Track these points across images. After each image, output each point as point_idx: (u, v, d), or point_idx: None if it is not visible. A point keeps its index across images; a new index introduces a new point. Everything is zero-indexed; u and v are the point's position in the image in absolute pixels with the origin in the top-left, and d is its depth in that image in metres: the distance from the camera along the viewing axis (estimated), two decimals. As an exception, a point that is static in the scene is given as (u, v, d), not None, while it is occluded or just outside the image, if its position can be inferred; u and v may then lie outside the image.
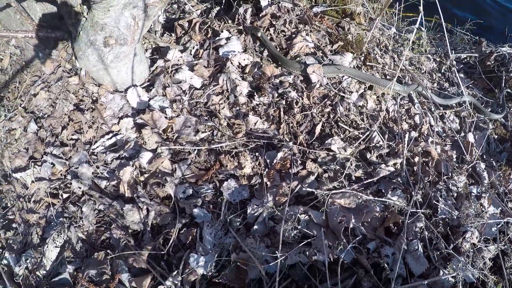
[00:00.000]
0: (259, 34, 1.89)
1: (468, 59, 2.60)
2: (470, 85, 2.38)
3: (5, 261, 1.69)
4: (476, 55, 2.55)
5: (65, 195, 1.75)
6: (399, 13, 2.39)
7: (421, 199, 1.68)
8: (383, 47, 2.14)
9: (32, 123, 1.93)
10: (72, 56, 2.03)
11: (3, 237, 1.78)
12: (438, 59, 2.39)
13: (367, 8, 2.01)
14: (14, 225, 1.77)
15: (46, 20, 2.04)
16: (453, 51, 2.57)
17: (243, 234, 1.52)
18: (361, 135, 1.76)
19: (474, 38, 2.96)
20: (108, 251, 1.55)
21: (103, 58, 1.71)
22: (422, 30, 2.32)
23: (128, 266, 1.49)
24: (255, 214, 1.54)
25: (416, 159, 1.81)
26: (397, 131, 1.84)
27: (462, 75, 2.47)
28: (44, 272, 1.56)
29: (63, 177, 1.80)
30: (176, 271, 1.45)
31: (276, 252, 1.40)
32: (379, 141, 1.76)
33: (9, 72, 2.21)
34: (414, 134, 1.88)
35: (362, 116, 1.83)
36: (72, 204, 1.74)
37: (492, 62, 2.48)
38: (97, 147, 1.79)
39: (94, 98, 1.92)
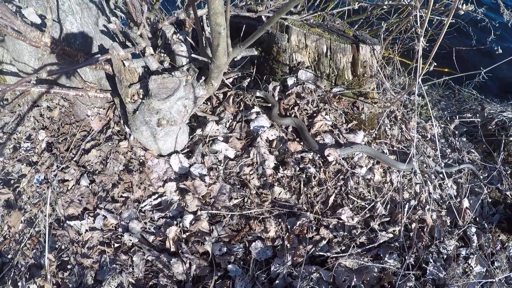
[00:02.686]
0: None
1: (472, 118, 3.27)
2: (471, 150, 3.07)
3: None
4: (479, 119, 3.22)
5: (116, 245, 2.39)
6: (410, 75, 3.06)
7: (413, 262, 2.38)
8: (393, 117, 2.83)
9: (85, 177, 2.65)
10: (121, 120, 2.76)
11: (59, 276, 2.53)
12: (443, 125, 3.07)
13: (379, 91, 2.70)
14: (69, 266, 2.40)
15: (95, 80, 2.77)
16: (458, 114, 3.25)
17: (267, 287, 2.27)
18: (367, 205, 2.47)
19: (480, 97, 3.61)
20: None
21: (155, 134, 2.42)
22: (427, 98, 3.01)
23: None
24: (277, 271, 2.28)
25: (413, 225, 2.52)
26: (399, 200, 2.56)
27: (464, 139, 3.15)
28: None
29: (114, 229, 2.52)
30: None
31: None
32: (382, 211, 2.49)
33: (58, 122, 2.95)
34: (413, 202, 2.59)
35: (369, 188, 2.53)
36: (123, 253, 2.43)
37: (493, 126, 3.15)
38: (145, 205, 2.52)
39: (141, 161, 2.64)
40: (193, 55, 1.97)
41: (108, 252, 2.39)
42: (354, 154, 2.56)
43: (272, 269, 2.25)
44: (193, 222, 2.36)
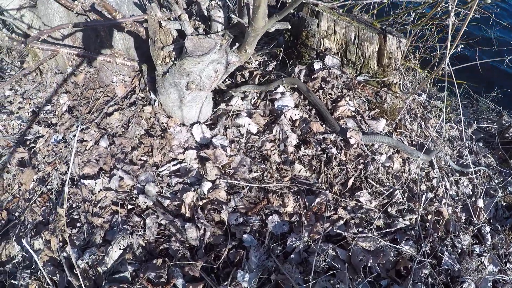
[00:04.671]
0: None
1: (489, 128, 3.35)
2: (487, 154, 3.12)
3: (65, 254, 2.29)
4: (496, 126, 3.30)
5: (130, 206, 2.39)
6: (431, 79, 3.15)
7: (428, 251, 2.38)
8: (413, 114, 2.89)
9: (104, 138, 2.65)
10: (146, 87, 2.80)
11: (67, 232, 2.48)
12: (460, 128, 3.14)
13: (403, 81, 2.78)
14: (78, 224, 2.39)
15: (123, 49, 2.82)
16: (475, 121, 3.33)
17: (281, 261, 2.22)
18: (385, 191, 2.48)
19: (498, 108, 3.72)
20: (166, 259, 2.18)
21: (182, 98, 2.45)
22: (449, 99, 3.09)
23: (183, 273, 2.09)
24: (293, 245, 2.26)
25: (429, 216, 2.53)
26: (416, 191, 2.57)
27: (481, 144, 3.21)
28: (105, 268, 2.15)
29: (129, 191, 2.50)
30: (226, 282, 2.16)
31: (308, 277, 2.12)
32: (400, 198, 2.50)
33: (81, 87, 2.98)
34: (430, 195, 2.60)
35: (388, 175, 2.56)
36: (136, 215, 2.38)
37: (510, 134, 3.23)
38: (164, 170, 2.52)
39: (163, 127, 2.66)
40: (231, 16, 2.03)
41: (120, 213, 2.39)
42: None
43: (288, 242, 2.24)
44: (211, 190, 2.36)
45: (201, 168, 2.47)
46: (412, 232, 2.44)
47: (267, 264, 2.18)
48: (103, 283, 2.14)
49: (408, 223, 2.44)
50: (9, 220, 2.69)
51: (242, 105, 2.65)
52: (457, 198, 2.76)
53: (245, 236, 2.24)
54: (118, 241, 2.27)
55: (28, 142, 2.90)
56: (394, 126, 2.70)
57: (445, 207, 2.56)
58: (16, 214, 2.68)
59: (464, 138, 2.94)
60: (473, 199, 2.80)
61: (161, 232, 2.32)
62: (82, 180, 2.52)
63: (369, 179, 2.49)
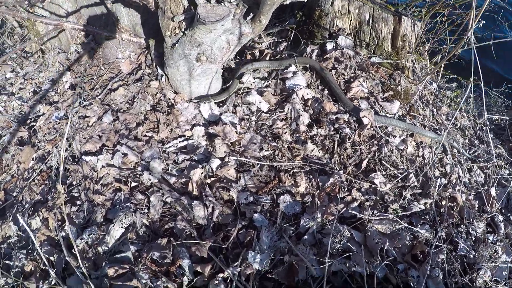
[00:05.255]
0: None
1: (498, 121, 3.32)
2: (498, 145, 3.08)
3: (63, 233, 2.14)
4: (507, 118, 3.27)
5: (133, 184, 2.27)
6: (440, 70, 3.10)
7: (444, 236, 2.30)
8: (425, 100, 2.83)
9: (108, 114, 2.52)
10: (153, 62, 2.69)
11: (66, 210, 2.33)
12: (471, 118, 3.10)
13: (416, 66, 2.72)
14: (78, 202, 2.27)
15: (130, 26, 2.72)
16: (486, 112, 3.30)
17: (294, 242, 2.12)
18: (399, 174, 2.40)
19: (507, 102, 3.71)
20: (171, 238, 2.05)
21: (192, 71, 2.34)
22: (459, 89, 3.05)
23: (190, 254, 1.97)
24: (307, 226, 2.15)
25: (443, 202, 2.45)
26: (430, 176, 2.50)
27: (492, 135, 3.16)
28: (106, 248, 2.04)
29: (133, 168, 2.37)
30: (235, 263, 2.03)
31: (324, 258, 2.01)
32: (414, 182, 2.42)
33: (84, 65, 2.86)
34: (444, 181, 2.53)
35: (402, 158, 2.48)
36: (140, 192, 2.25)
37: (520, 126, 3.21)
38: (170, 147, 2.39)
39: (170, 103, 2.54)
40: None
41: (124, 190, 2.25)
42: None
43: (301, 223, 2.14)
44: (220, 167, 2.26)
45: (209, 145, 2.36)
46: (427, 217, 2.36)
47: (279, 245, 2.07)
48: (104, 263, 2.01)
49: (423, 207, 2.36)
50: (6, 200, 2.57)
51: (253, 82, 2.55)
52: (469, 186, 2.70)
53: (256, 215, 2.13)
54: (121, 219, 2.16)
55: (28, 121, 2.77)
56: (407, 109, 2.63)
57: (459, 194, 2.48)
58: (14, 194, 2.56)
59: (476, 128, 2.89)
60: (486, 187, 2.74)
61: (166, 210, 2.20)
62: (83, 157, 2.40)
63: (383, 161, 2.40)
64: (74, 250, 2.01)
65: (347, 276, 2.02)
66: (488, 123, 2.99)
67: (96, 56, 2.78)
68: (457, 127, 2.95)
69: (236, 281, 1.90)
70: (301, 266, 1.99)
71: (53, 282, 1.98)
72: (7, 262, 2.15)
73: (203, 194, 2.17)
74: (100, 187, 2.32)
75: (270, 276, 1.98)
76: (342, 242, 2.10)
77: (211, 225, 2.13)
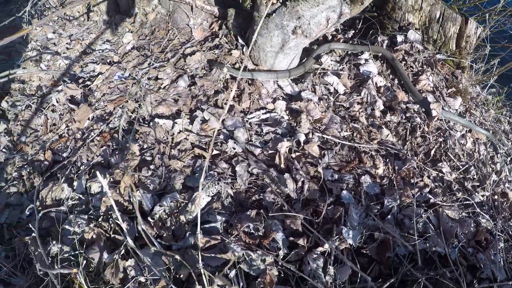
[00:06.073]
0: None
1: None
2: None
3: (138, 198, 2.01)
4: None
5: (215, 152, 2.23)
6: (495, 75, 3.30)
7: (501, 226, 2.48)
8: (475, 101, 3.02)
9: (184, 78, 2.44)
10: (230, 32, 2.62)
11: (137, 175, 2.17)
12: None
13: (474, 67, 2.91)
14: (151, 167, 2.18)
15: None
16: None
17: (378, 220, 2.19)
18: (461, 167, 2.56)
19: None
20: (261, 210, 2.01)
21: (285, 43, 2.32)
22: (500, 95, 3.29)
23: (283, 227, 1.97)
24: (390, 206, 2.23)
25: (496, 197, 2.64)
26: (484, 171, 2.68)
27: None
28: (190, 217, 1.95)
29: (212, 135, 2.30)
30: (334, 237, 2.03)
31: (408, 237, 2.10)
32: (474, 175, 2.58)
33: (150, 28, 2.75)
34: (495, 177, 2.73)
35: (462, 152, 2.65)
36: (224, 161, 2.21)
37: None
38: (252, 117, 2.37)
39: (255, 75, 2.50)
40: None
41: (205, 158, 2.16)
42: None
43: (385, 203, 2.20)
44: (305, 143, 2.26)
45: (291, 120, 2.37)
46: (485, 208, 2.53)
47: (367, 223, 2.12)
48: (187, 233, 1.92)
49: (482, 199, 2.51)
50: (55, 161, 2.38)
51: (331, 64, 2.60)
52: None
53: (344, 192, 2.18)
54: (207, 187, 2.06)
55: (81, 80, 2.61)
56: (466, 107, 2.80)
57: (510, 191, 2.68)
58: (64, 155, 2.38)
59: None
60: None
61: (252, 181, 2.16)
62: (156, 119, 2.30)
63: (448, 153, 2.54)
64: (150, 218, 1.94)
65: (428, 255, 2.12)
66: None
67: (163, 20, 2.69)
68: (502, 129, 3.17)
69: (335, 255, 1.92)
70: (392, 241, 2.06)
71: (122, 252, 1.84)
72: (66, 227, 1.97)
73: (293, 167, 2.17)
74: (177, 152, 2.24)
75: (363, 251, 2.02)
76: (421, 223, 2.20)
77: (302, 198, 2.13)
